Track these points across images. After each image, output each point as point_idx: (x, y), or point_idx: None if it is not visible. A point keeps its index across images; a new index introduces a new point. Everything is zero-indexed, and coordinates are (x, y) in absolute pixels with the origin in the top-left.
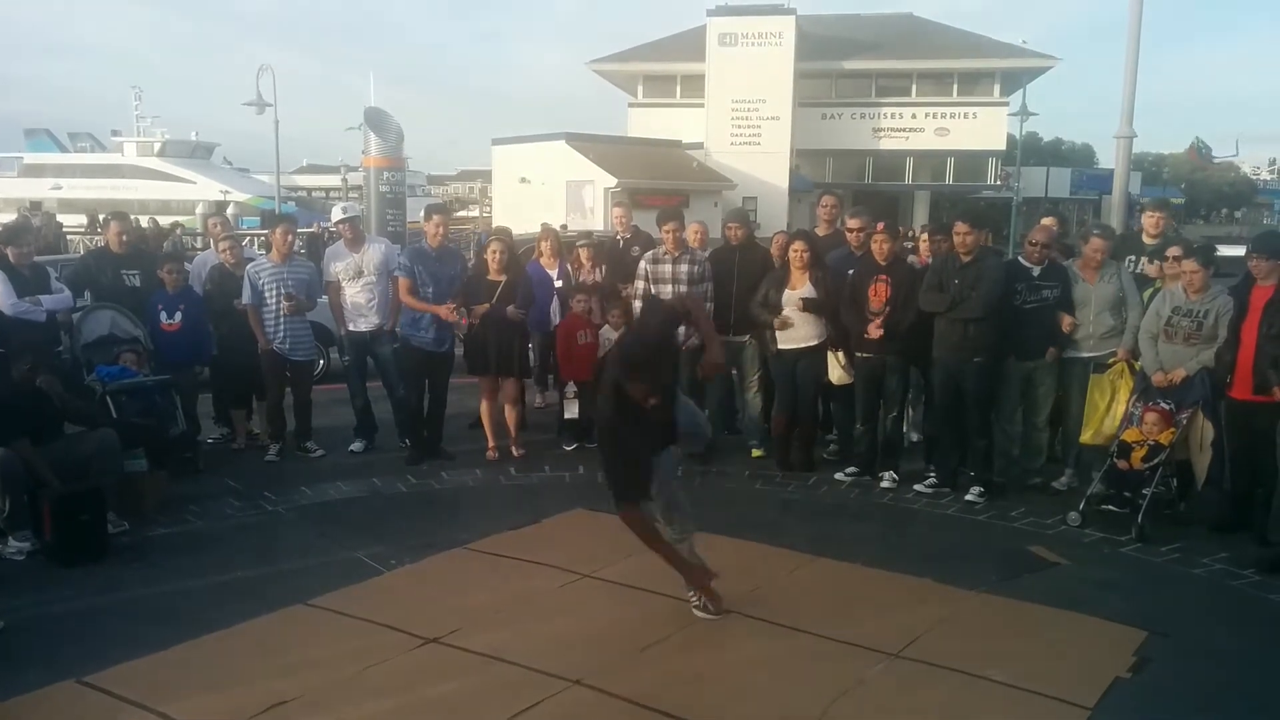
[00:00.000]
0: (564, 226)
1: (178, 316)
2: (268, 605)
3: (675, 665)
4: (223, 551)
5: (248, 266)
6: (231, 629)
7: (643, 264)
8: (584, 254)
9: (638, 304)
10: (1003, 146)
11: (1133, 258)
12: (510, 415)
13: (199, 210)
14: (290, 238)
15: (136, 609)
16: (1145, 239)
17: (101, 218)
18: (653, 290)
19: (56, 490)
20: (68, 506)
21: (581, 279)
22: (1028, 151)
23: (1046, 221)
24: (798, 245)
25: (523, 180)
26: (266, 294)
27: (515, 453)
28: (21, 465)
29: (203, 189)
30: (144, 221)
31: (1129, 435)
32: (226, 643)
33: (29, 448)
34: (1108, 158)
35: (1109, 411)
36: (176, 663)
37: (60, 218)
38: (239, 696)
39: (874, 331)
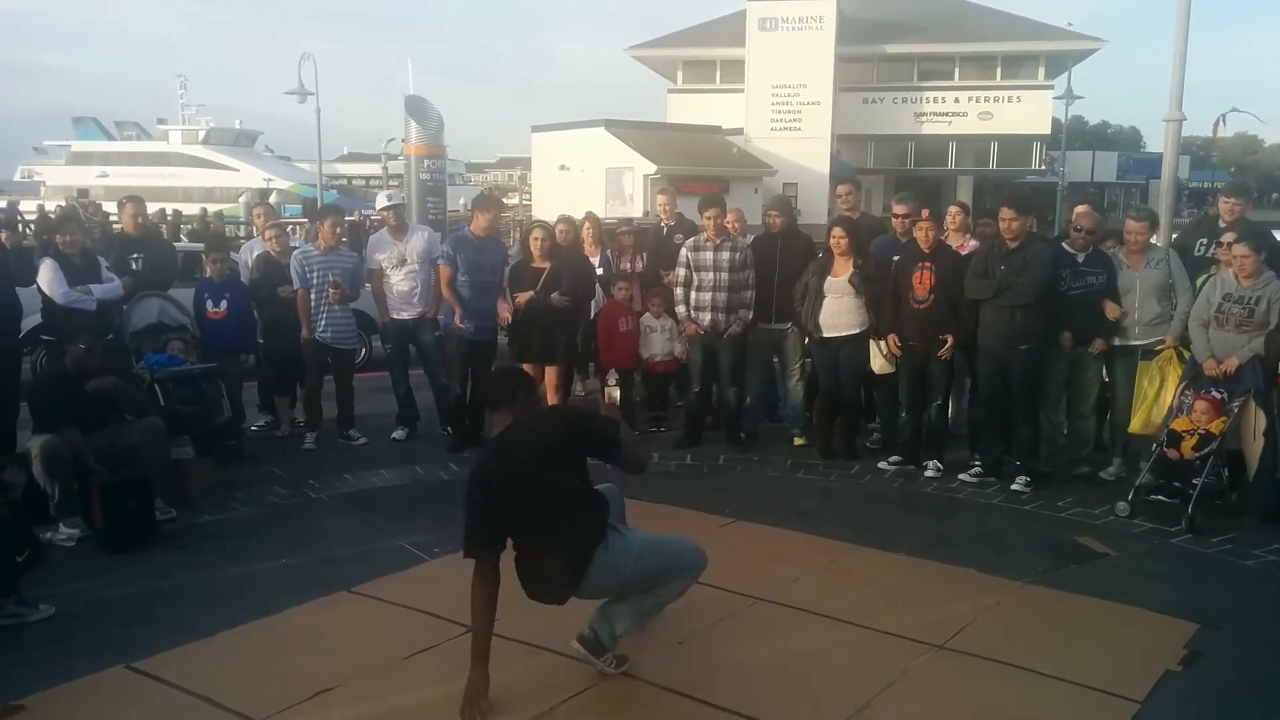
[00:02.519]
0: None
1: (223, 305)
2: (312, 592)
3: (716, 656)
4: (267, 538)
5: (294, 254)
6: (277, 615)
7: (684, 251)
8: (626, 241)
9: (678, 291)
10: (1047, 130)
11: (1204, 240)
12: (552, 402)
13: (242, 199)
14: (338, 229)
15: (184, 595)
16: (1221, 224)
17: (119, 201)
18: (694, 278)
19: (105, 477)
20: (117, 493)
21: (623, 266)
22: (1073, 135)
23: (1082, 208)
24: (836, 232)
25: (562, 167)
26: (313, 282)
27: None
28: (70, 453)
29: (246, 177)
30: (192, 210)
31: (1178, 424)
32: (272, 629)
33: (78, 435)
34: (1155, 141)
35: (1158, 400)
36: (223, 649)
37: (106, 205)
38: (285, 683)
39: (893, 347)
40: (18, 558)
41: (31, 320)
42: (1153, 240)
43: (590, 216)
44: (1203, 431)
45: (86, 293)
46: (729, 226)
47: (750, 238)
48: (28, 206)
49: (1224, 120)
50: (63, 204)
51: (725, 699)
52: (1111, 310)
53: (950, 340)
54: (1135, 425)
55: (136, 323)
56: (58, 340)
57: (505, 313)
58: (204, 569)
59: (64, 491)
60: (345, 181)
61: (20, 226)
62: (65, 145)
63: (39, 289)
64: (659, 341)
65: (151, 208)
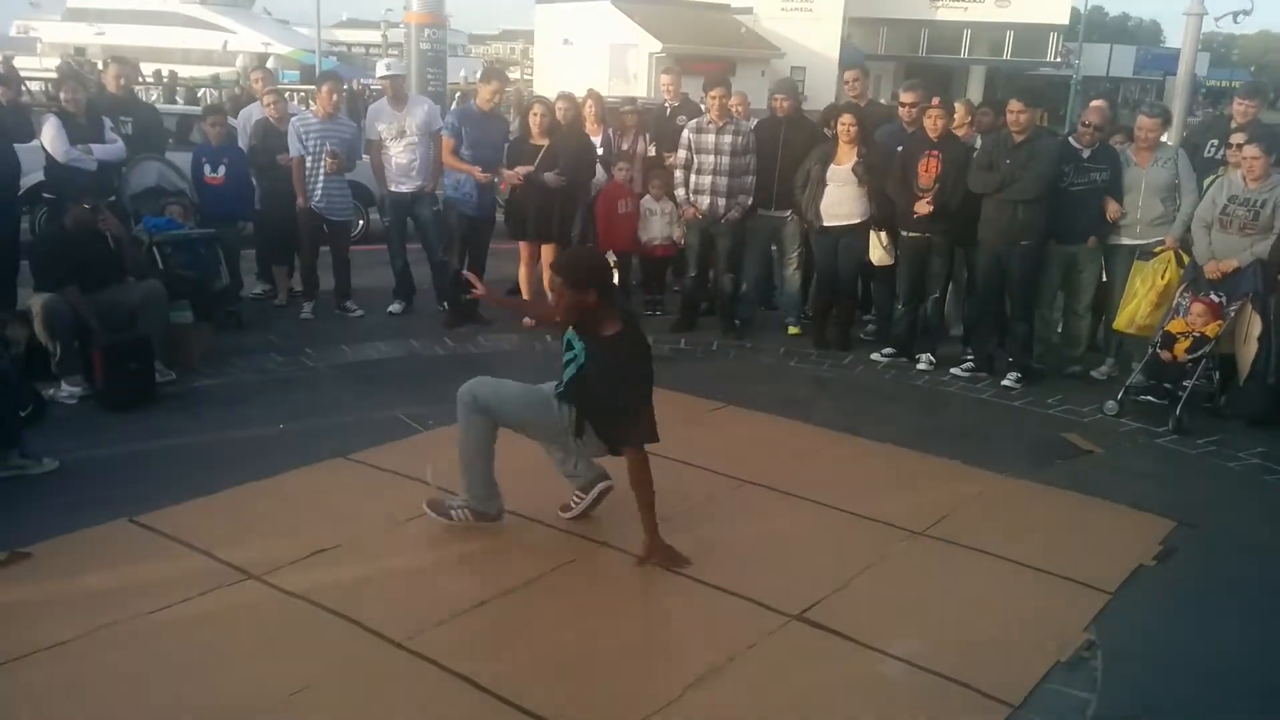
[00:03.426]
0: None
1: (221, 170)
2: (308, 457)
3: (701, 534)
4: (265, 404)
5: (292, 120)
6: (274, 478)
7: (686, 133)
8: (628, 121)
9: (678, 174)
10: (1065, 21)
11: (1215, 141)
12: (548, 281)
13: (239, 62)
14: (336, 96)
15: (183, 455)
16: (1233, 126)
17: (103, 60)
18: (695, 160)
19: (107, 338)
20: (117, 354)
21: (624, 147)
22: (1091, 27)
23: (1097, 103)
24: (845, 119)
25: (565, 42)
26: (310, 150)
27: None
28: (71, 311)
29: (244, 39)
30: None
31: (1174, 326)
32: (269, 490)
33: (78, 295)
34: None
35: (1146, 299)
36: (222, 506)
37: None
38: (282, 542)
39: (922, 208)
40: (20, 412)
41: (31, 178)
42: (1164, 139)
43: (592, 94)
44: (1198, 334)
45: (87, 152)
46: (733, 109)
47: (754, 121)
48: (24, 63)
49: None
50: (59, 61)
51: (707, 574)
52: (1113, 210)
53: (929, 204)
54: (1120, 322)
55: (135, 186)
56: (58, 199)
57: (485, 176)
58: (202, 431)
59: (65, 350)
60: (345, 48)
61: (18, 84)
62: (61, 0)
63: (41, 146)
64: (658, 225)
65: (148, 69)
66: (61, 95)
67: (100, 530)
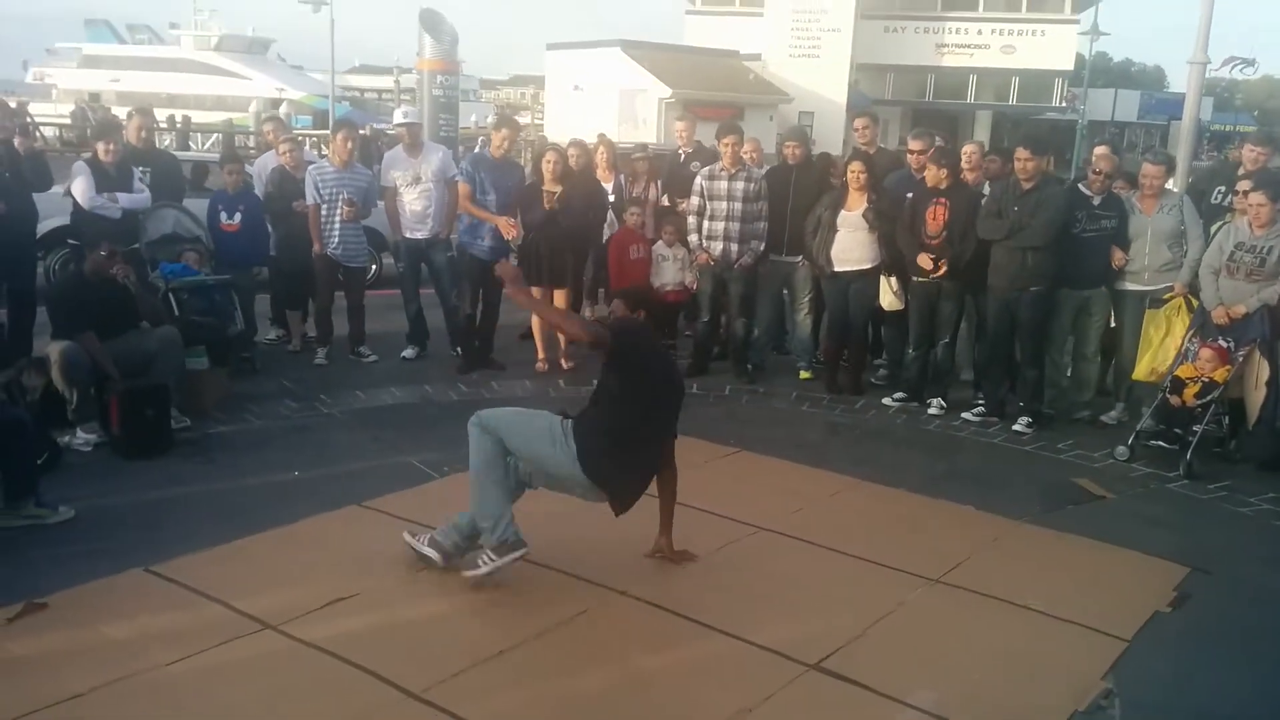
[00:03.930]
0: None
1: (237, 217)
2: (324, 505)
3: (716, 580)
4: (280, 451)
5: (309, 168)
6: (290, 526)
7: (699, 180)
8: (640, 167)
9: (691, 220)
10: (1070, 66)
11: (1221, 188)
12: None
13: (252, 108)
14: (351, 144)
15: (199, 503)
16: (1241, 172)
17: (128, 112)
18: (708, 207)
19: (123, 384)
20: (134, 401)
21: (636, 193)
22: (1096, 72)
23: (1101, 150)
24: (855, 166)
25: (576, 88)
26: (325, 198)
27: (565, 365)
28: (88, 358)
29: (258, 85)
30: (203, 118)
31: (1183, 371)
32: (285, 539)
33: (95, 341)
34: (1179, 81)
35: (1163, 347)
36: (239, 556)
37: (116, 110)
38: (298, 591)
39: (924, 262)
40: (36, 460)
41: (48, 224)
42: (1168, 185)
43: (604, 140)
44: (1206, 379)
45: (113, 199)
46: (746, 156)
47: (765, 168)
48: (39, 109)
49: (1241, 67)
50: (74, 107)
51: (722, 621)
52: (1118, 258)
53: (935, 261)
54: (1139, 372)
55: (152, 233)
56: (79, 246)
57: (512, 229)
58: (218, 478)
59: (82, 397)
60: (358, 94)
61: (33, 130)
62: (77, 48)
63: (66, 192)
64: (670, 270)
65: (162, 114)
66: (99, 148)
67: (116, 580)
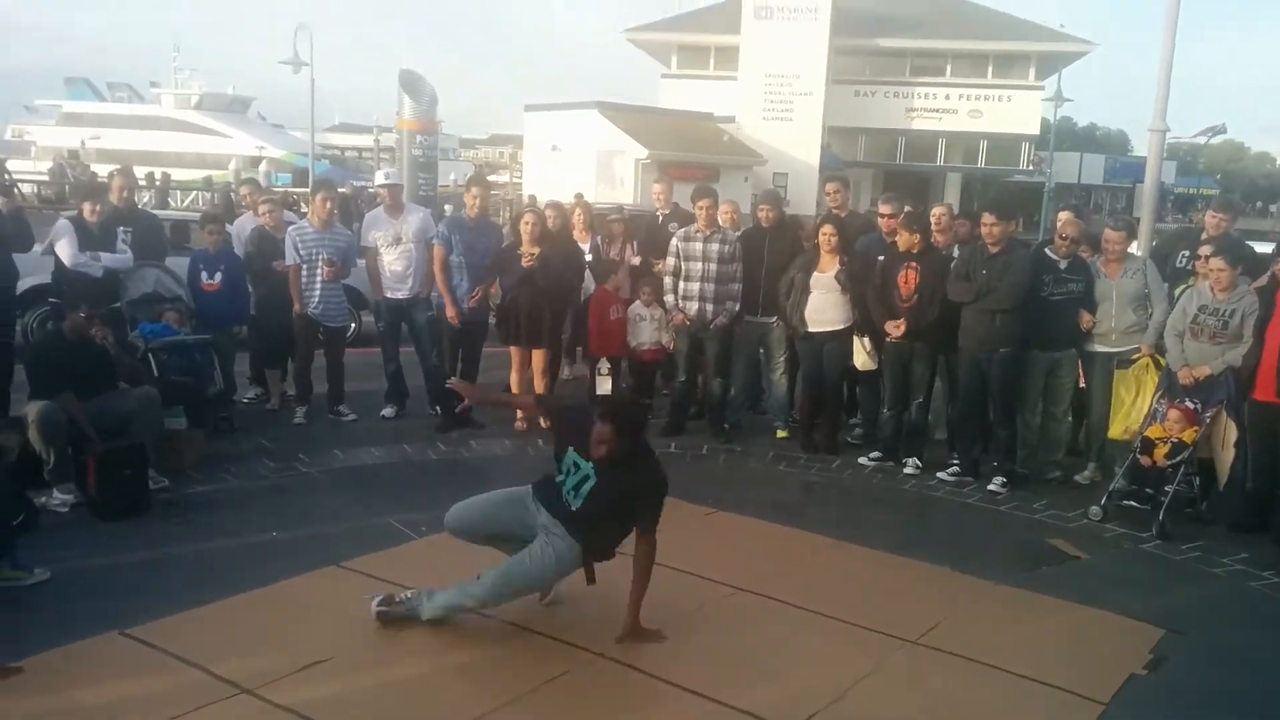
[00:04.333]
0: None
1: (218, 277)
2: (302, 566)
3: (693, 642)
4: (259, 511)
5: (289, 230)
6: (268, 588)
7: (674, 241)
8: (615, 229)
9: (668, 280)
10: (1036, 131)
11: (1186, 252)
12: (539, 386)
13: (232, 165)
14: (329, 204)
15: (176, 565)
16: (1204, 238)
17: (109, 174)
18: (683, 267)
19: (101, 445)
20: (111, 461)
21: (613, 254)
22: (1062, 136)
23: (1065, 215)
24: (826, 229)
25: (554, 148)
26: (304, 258)
27: (544, 423)
28: (66, 419)
29: (238, 144)
30: (183, 176)
31: (1152, 432)
32: (263, 601)
33: (74, 401)
34: (1142, 145)
35: (1135, 406)
36: (215, 618)
37: (95, 167)
38: (276, 655)
39: (893, 331)
40: (12, 521)
41: (26, 282)
42: (1131, 249)
43: (581, 202)
44: (1175, 440)
45: (95, 259)
46: (723, 219)
47: (742, 230)
48: (17, 165)
49: (1211, 133)
50: (52, 164)
51: (700, 684)
52: (1085, 320)
53: (902, 325)
54: (1114, 431)
55: (132, 292)
56: (60, 305)
57: (473, 302)
58: (196, 539)
59: (59, 457)
60: (338, 152)
61: (14, 189)
62: (56, 105)
63: (48, 251)
64: (647, 330)
65: (141, 171)
66: (85, 208)
67: (92, 643)
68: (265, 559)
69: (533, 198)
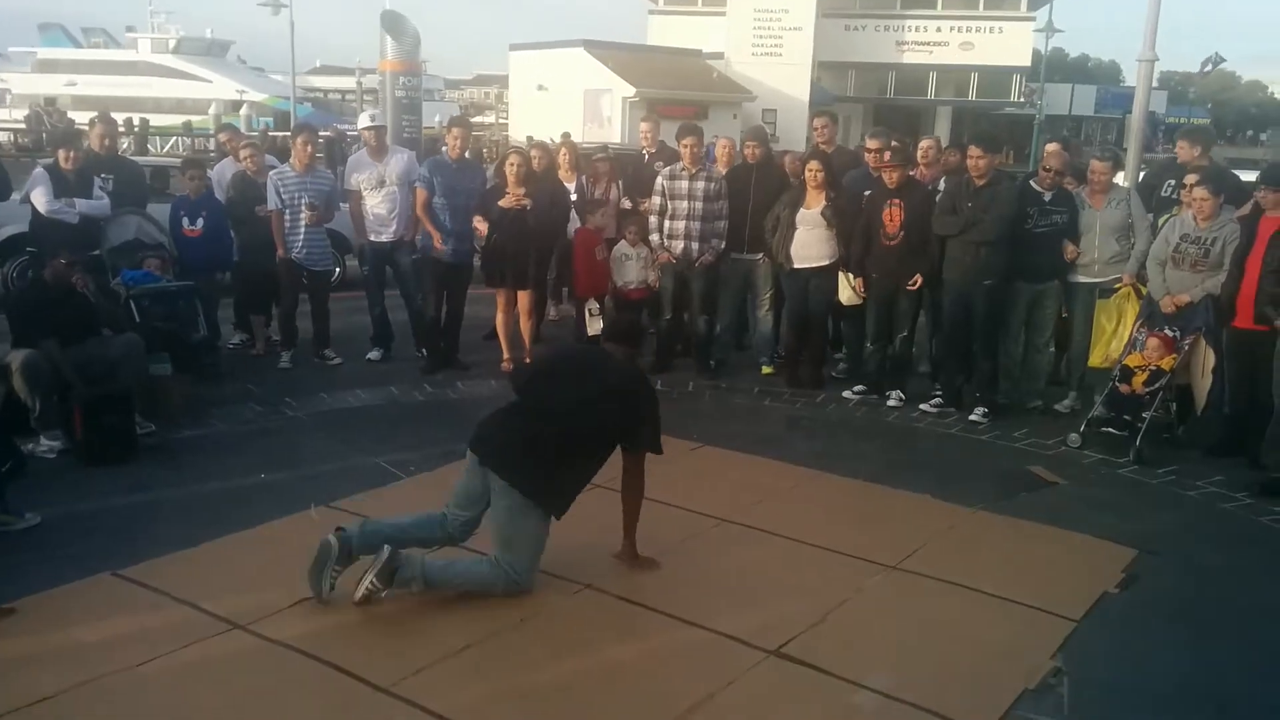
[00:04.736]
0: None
1: (199, 223)
2: (291, 507)
3: (680, 573)
4: (246, 454)
5: (270, 174)
6: (257, 528)
7: (660, 180)
8: (601, 168)
9: (653, 219)
10: (1028, 63)
11: (1171, 182)
12: (525, 327)
13: (212, 110)
14: (310, 147)
15: (165, 508)
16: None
17: (88, 121)
18: (669, 206)
19: (86, 392)
20: (97, 408)
21: (598, 193)
22: (1053, 68)
23: (1052, 147)
24: (813, 165)
25: (540, 88)
26: (286, 202)
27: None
28: (49, 366)
29: (218, 88)
30: (163, 121)
31: (1131, 360)
32: (252, 541)
33: (57, 349)
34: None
35: (1115, 334)
36: (206, 559)
37: (73, 114)
38: (265, 592)
39: (914, 287)
40: (0, 468)
41: (3, 232)
42: (1116, 180)
43: (567, 142)
44: (1154, 367)
45: (70, 205)
46: (723, 153)
47: (722, 168)
48: None
49: (1211, 64)
50: (29, 111)
51: (686, 612)
52: (1070, 251)
53: (919, 278)
54: (1094, 359)
55: (114, 239)
56: (39, 253)
57: (482, 226)
58: (183, 483)
59: (44, 404)
60: (320, 95)
61: None
62: (31, 52)
63: (25, 199)
64: (633, 269)
65: (119, 118)
66: (60, 155)
67: (84, 585)
68: (253, 501)
69: (529, 138)
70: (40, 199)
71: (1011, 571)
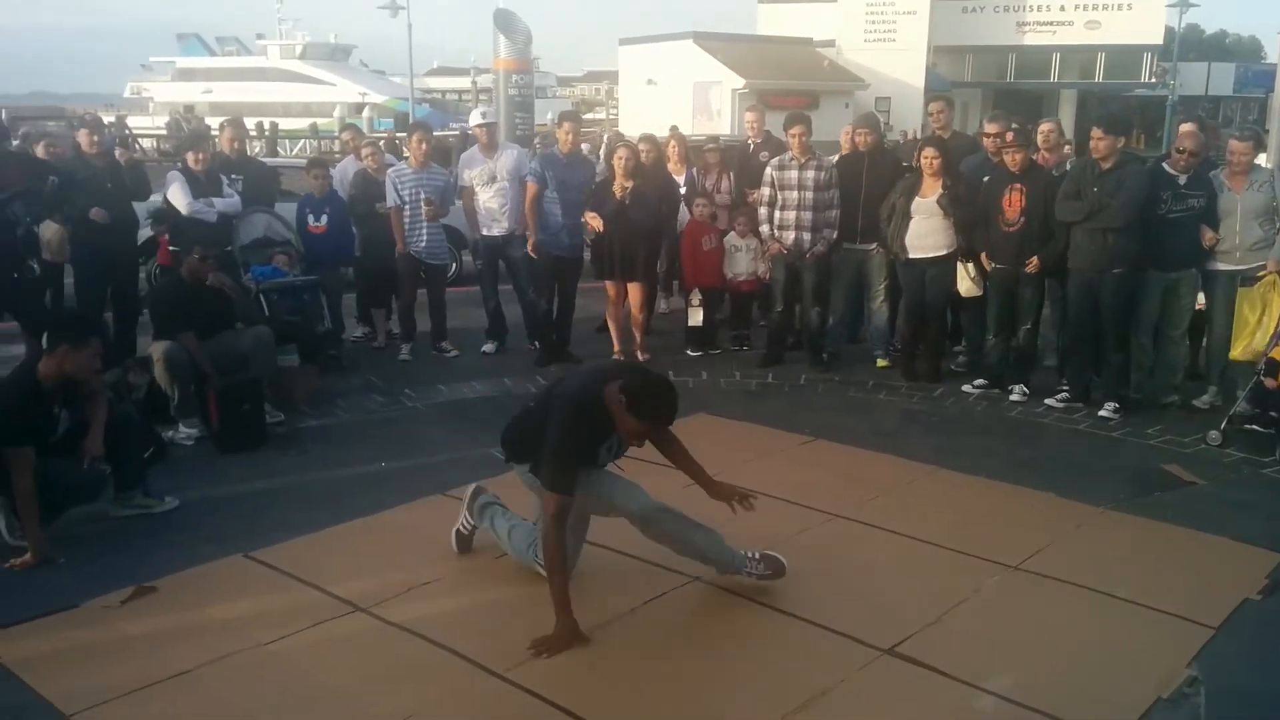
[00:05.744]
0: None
1: (324, 219)
2: (410, 494)
3: (792, 567)
4: (367, 443)
5: (389, 171)
6: (378, 515)
7: (769, 170)
8: (711, 159)
9: (762, 210)
10: (1159, 40)
11: None
12: (635, 320)
13: (336, 112)
14: (425, 145)
15: (293, 493)
16: None
17: (219, 125)
18: (779, 196)
19: (220, 381)
20: (231, 397)
21: (709, 185)
22: (1187, 45)
23: (1186, 127)
24: (928, 152)
25: (649, 82)
26: (406, 199)
27: (640, 357)
28: (187, 357)
29: (342, 91)
30: (291, 125)
31: (1278, 353)
32: (374, 527)
33: (194, 341)
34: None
35: (1260, 325)
36: (331, 543)
37: (209, 120)
38: (387, 576)
39: (1033, 268)
40: (143, 454)
41: (145, 232)
42: (1259, 160)
43: (676, 134)
44: None
45: (209, 204)
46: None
47: (835, 156)
48: (137, 122)
49: None
50: (169, 118)
51: (797, 607)
52: (1209, 237)
53: (1035, 259)
54: (1236, 352)
55: (244, 237)
56: (179, 251)
57: (595, 222)
58: (309, 469)
59: (183, 393)
60: (437, 95)
61: (132, 142)
62: (171, 62)
63: (164, 200)
64: (743, 261)
65: (250, 122)
66: (189, 157)
67: (219, 565)
68: (375, 488)
69: (617, 133)
70: (180, 199)
71: (1143, 575)
